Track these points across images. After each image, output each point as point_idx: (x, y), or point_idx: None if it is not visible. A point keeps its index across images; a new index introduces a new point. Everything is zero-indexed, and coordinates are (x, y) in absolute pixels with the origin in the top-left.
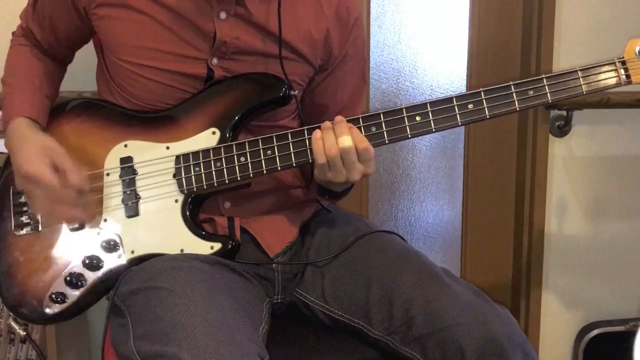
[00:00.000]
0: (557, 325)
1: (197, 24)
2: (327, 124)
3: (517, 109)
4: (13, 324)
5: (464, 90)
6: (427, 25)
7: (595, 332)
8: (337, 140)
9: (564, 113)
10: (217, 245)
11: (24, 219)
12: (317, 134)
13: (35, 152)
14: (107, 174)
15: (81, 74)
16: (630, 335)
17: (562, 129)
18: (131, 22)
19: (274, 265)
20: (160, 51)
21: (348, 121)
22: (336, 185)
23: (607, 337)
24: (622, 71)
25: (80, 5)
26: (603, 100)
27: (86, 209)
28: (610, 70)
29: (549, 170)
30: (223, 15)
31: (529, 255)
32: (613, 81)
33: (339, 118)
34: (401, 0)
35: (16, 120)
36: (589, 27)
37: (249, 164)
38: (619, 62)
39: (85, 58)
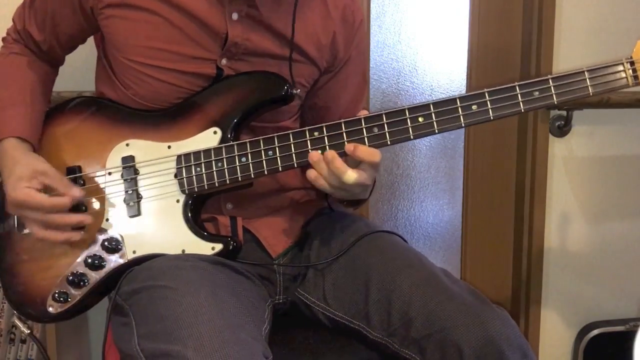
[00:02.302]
0: (557, 326)
1: (209, 25)
2: (315, 155)
3: (522, 110)
4: (17, 322)
5: (464, 91)
6: (427, 25)
7: (595, 332)
8: (341, 180)
9: (564, 113)
10: (219, 246)
11: None
12: (311, 174)
13: (21, 176)
14: (109, 173)
15: (81, 74)
16: (630, 335)
17: (562, 129)
18: (141, 23)
19: (275, 265)
20: (170, 52)
21: (350, 122)
22: (356, 194)
23: (607, 337)
24: (631, 72)
25: (87, 5)
26: (603, 100)
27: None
28: (618, 71)
29: (549, 170)
30: (235, 16)
31: (529, 255)
32: (621, 82)
33: (330, 155)
34: (401, 0)
35: (5, 141)
36: (589, 27)
37: (250, 164)
38: (627, 62)
39: (85, 58)
